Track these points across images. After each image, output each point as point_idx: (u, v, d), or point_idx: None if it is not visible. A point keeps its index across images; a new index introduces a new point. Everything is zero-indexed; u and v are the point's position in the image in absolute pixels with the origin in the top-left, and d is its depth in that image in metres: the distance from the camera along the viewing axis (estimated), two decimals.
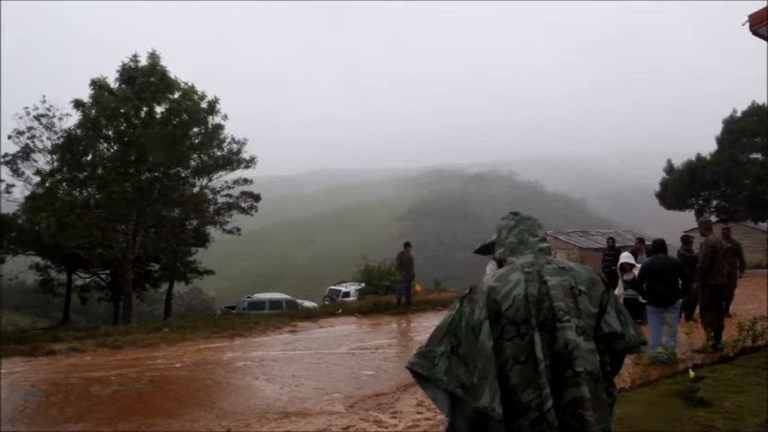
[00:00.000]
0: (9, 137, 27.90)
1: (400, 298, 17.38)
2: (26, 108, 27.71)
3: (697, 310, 10.94)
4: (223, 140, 27.54)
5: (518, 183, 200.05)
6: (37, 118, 27.68)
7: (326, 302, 26.79)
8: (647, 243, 12.62)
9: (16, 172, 28.66)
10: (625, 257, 10.06)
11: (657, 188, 43.30)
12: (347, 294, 27.88)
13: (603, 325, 2.27)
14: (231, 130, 27.69)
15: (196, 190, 28.42)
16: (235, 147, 28.08)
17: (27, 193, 27.59)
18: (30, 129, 27.88)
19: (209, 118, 25.92)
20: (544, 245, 2.45)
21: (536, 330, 2.17)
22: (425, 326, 14.11)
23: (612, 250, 15.53)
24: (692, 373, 6.22)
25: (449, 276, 48.86)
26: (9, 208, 31.97)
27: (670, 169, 42.94)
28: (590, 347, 2.18)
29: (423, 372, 2.32)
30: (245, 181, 30.96)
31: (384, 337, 13.17)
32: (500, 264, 2.50)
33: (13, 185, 29.20)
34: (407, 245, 17.77)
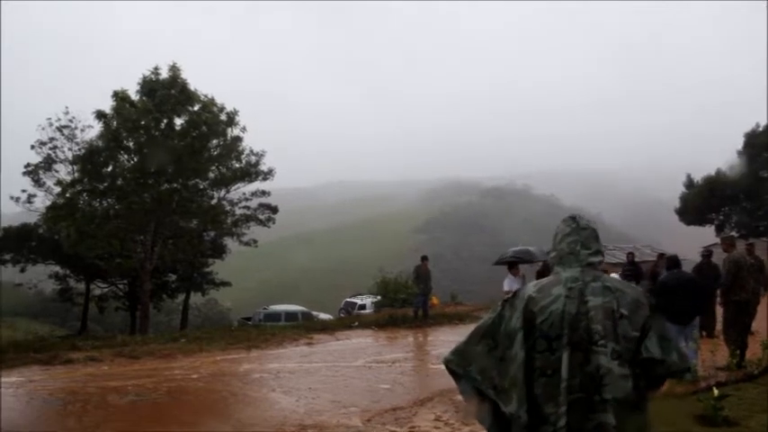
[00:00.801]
0: (32, 147, 28.24)
1: (417, 311, 17.30)
2: (49, 119, 28.07)
3: (719, 327, 10.76)
4: (241, 152, 27.65)
5: (534, 196, 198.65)
6: (59, 129, 28.03)
7: (342, 315, 26.75)
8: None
9: (38, 182, 28.99)
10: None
11: (677, 202, 42.86)
12: (363, 307, 27.80)
13: (643, 350, 2.24)
14: (249, 141, 27.72)
15: (214, 201, 28.55)
16: (253, 159, 28.18)
17: (48, 203, 27.92)
18: (52, 139, 28.22)
19: (228, 130, 26.12)
20: (595, 259, 2.39)
21: (566, 348, 2.17)
22: (442, 339, 14.02)
23: (632, 265, 15.42)
24: (715, 392, 6.10)
25: (465, 290, 48.52)
26: (30, 218, 32.39)
27: (689, 184, 42.52)
28: (623, 373, 2.17)
29: (457, 369, 2.42)
30: (263, 193, 31.01)
31: (401, 351, 13.12)
32: (550, 268, 2.50)
33: (34, 195, 29.53)
34: (425, 258, 17.74)
